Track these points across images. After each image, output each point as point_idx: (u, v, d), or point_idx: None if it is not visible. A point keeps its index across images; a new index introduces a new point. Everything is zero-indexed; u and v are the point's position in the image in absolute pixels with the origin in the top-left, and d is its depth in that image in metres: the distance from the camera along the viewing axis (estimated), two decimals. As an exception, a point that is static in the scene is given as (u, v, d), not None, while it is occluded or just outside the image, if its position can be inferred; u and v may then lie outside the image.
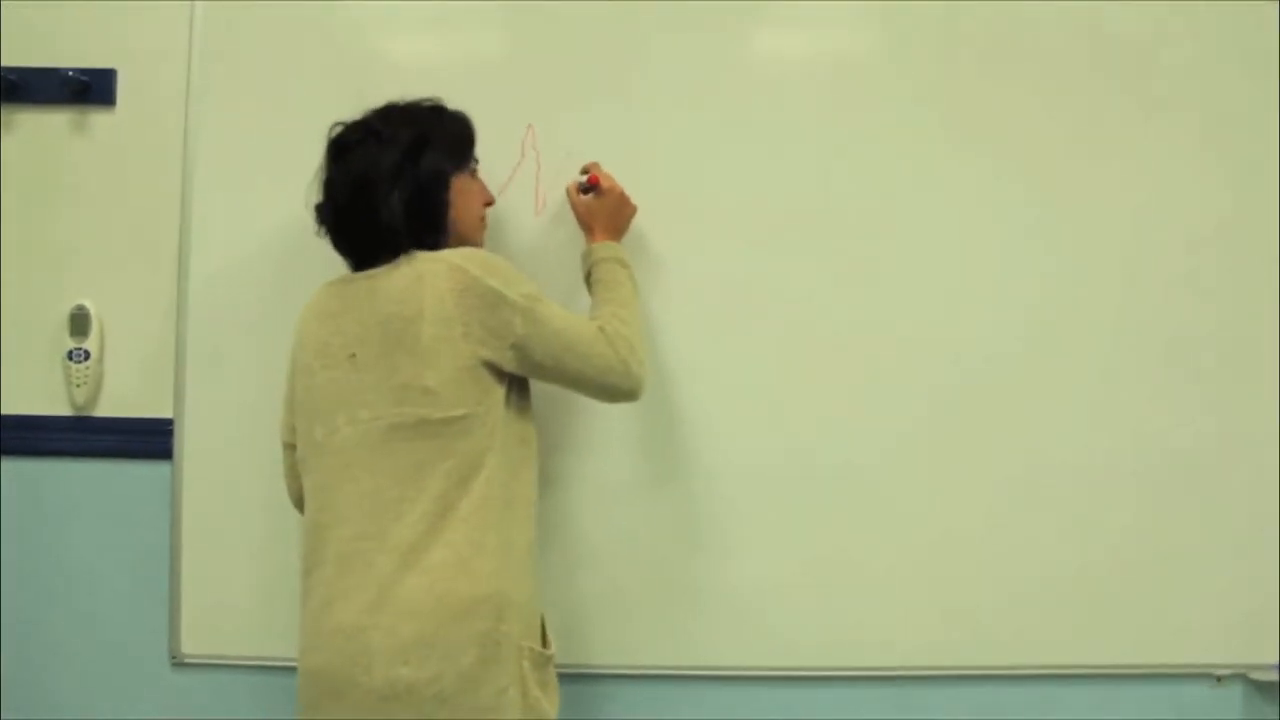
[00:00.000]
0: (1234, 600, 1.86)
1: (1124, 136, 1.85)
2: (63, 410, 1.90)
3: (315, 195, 1.58)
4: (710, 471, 1.83)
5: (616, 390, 1.55)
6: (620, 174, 1.73)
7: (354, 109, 1.59)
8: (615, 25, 1.84)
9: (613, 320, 1.55)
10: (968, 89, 1.85)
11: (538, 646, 1.49)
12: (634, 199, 1.73)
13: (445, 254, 1.49)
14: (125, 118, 1.91)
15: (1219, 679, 1.87)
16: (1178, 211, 1.85)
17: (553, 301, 1.52)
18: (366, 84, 1.67)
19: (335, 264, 1.58)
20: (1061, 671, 1.86)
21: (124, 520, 1.89)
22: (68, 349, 1.87)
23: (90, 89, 1.89)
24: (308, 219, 1.61)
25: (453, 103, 1.63)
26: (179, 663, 1.88)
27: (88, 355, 1.87)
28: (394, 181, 1.51)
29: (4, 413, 1.90)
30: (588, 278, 1.67)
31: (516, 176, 1.82)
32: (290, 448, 1.62)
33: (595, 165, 1.74)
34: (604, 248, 1.67)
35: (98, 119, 1.91)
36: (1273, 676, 1.85)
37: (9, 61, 1.89)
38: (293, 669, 1.49)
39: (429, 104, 1.61)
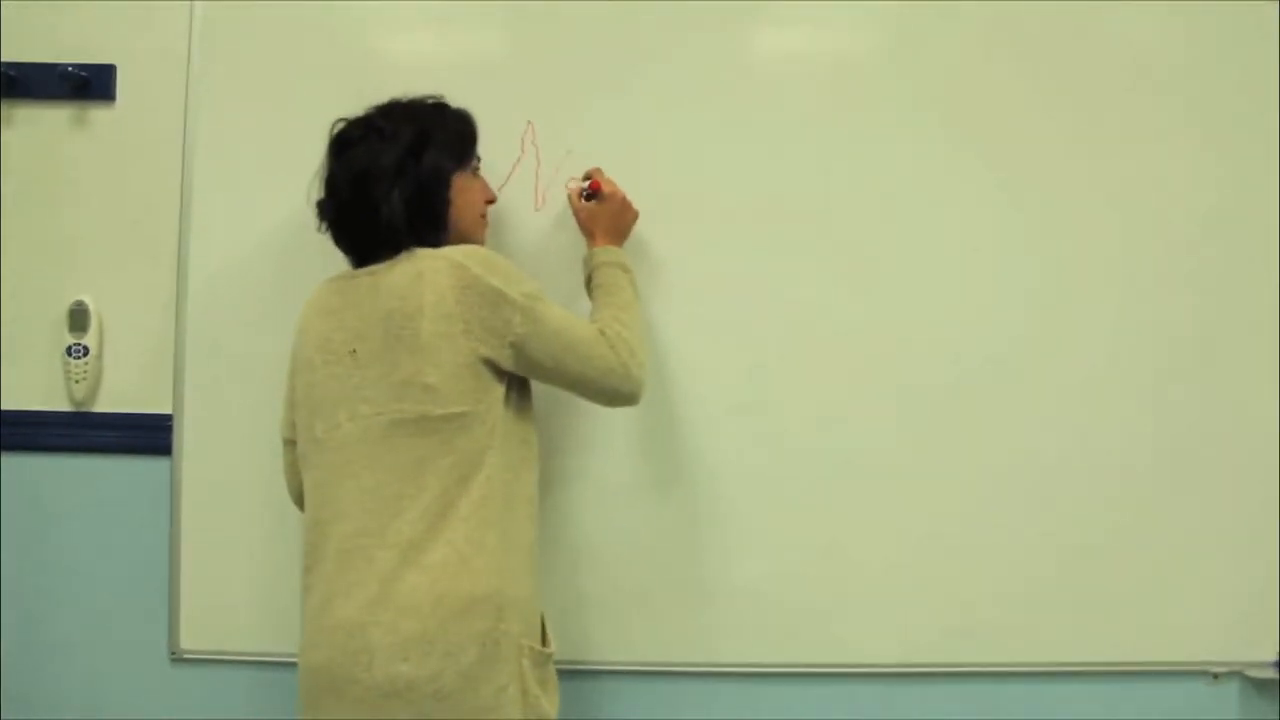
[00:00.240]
0: (1231, 598, 1.86)
1: (1123, 136, 1.85)
2: (62, 406, 1.90)
3: (316, 191, 1.58)
4: (710, 471, 1.83)
5: (616, 393, 1.55)
6: (619, 172, 1.73)
7: (354, 105, 1.59)
8: (616, 23, 1.84)
9: (614, 323, 1.55)
10: (967, 88, 1.85)
11: (538, 645, 1.49)
12: (633, 197, 1.73)
13: (446, 251, 1.49)
14: (125, 113, 1.91)
15: (1216, 676, 1.88)
16: (1176, 210, 1.85)
17: (554, 302, 1.52)
18: (366, 80, 1.67)
19: (335, 260, 1.58)
20: (1059, 669, 1.86)
21: (123, 516, 1.89)
22: (67, 344, 1.87)
23: (90, 84, 1.89)
24: (307, 215, 1.61)
25: (453, 100, 1.64)
26: (178, 658, 1.88)
27: (87, 351, 1.87)
28: (395, 179, 1.51)
29: (3, 408, 1.90)
30: (588, 282, 1.67)
31: (516, 173, 1.82)
32: (290, 444, 1.62)
33: (597, 171, 1.74)
34: (605, 252, 1.67)
35: (97, 114, 1.91)
36: (1269, 674, 1.86)
37: (9, 57, 1.89)
38: (292, 665, 1.49)
39: (432, 101, 1.61)
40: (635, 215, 1.74)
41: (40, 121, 1.91)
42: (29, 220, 1.91)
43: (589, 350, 1.51)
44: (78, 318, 1.88)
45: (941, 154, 1.84)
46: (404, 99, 1.60)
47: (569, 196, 1.75)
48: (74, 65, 1.87)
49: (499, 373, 1.48)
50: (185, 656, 1.88)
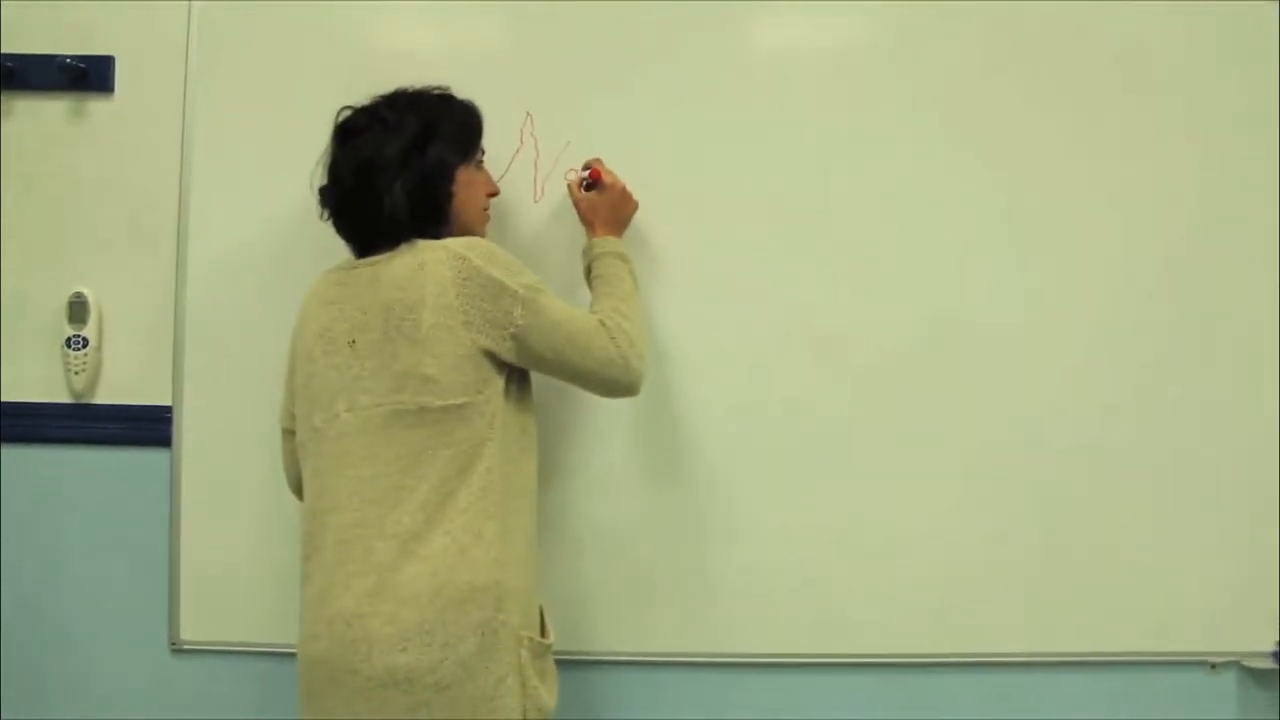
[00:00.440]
0: (1229, 588, 1.86)
1: (1123, 134, 1.85)
2: (62, 398, 1.90)
3: (319, 178, 1.58)
4: (710, 462, 1.84)
5: (616, 384, 1.54)
6: (618, 164, 1.73)
7: (352, 97, 1.59)
8: (615, 17, 1.84)
9: (613, 314, 1.55)
10: (967, 87, 1.85)
11: (536, 636, 1.49)
12: (632, 189, 1.73)
13: (447, 242, 1.49)
14: (123, 105, 1.90)
15: (1214, 666, 1.88)
16: (1174, 208, 1.85)
17: (554, 294, 1.52)
18: (364, 72, 1.66)
19: (334, 251, 1.58)
20: (1058, 659, 1.87)
21: (123, 507, 1.89)
22: (66, 336, 1.87)
23: (88, 76, 1.88)
24: (307, 206, 1.62)
25: (453, 92, 1.63)
26: (178, 649, 1.89)
27: (86, 343, 1.87)
28: (399, 170, 1.50)
29: (3, 400, 1.90)
30: (588, 273, 1.67)
31: (515, 165, 1.82)
32: (289, 434, 1.62)
33: (597, 161, 1.73)
34: (604, 243, 1.67)
35: (96, 106, 1.91)
36: (1267, 664, 1.86)
37: (6, 48, 1.89)
38: (292, 655, 1.50)
39: (438, 92, 1.61)
40: (635, 206, 1.74)
41: (39, 113, 1.91)
42: (28, 212, 1.91)
43: (589, 341, 1.51)
44: (77, 309, 1.88)
45: (941, 152, 1.84)
46: (410, 89, 1.60)
47: (569, 186, 1.75)
48: (72, 57, 1.87)
49: (499, 364, 1.48)
50: (185, 647, 1.88)
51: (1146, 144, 1.85)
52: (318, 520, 1.48)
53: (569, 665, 1.69)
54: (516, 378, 1.52)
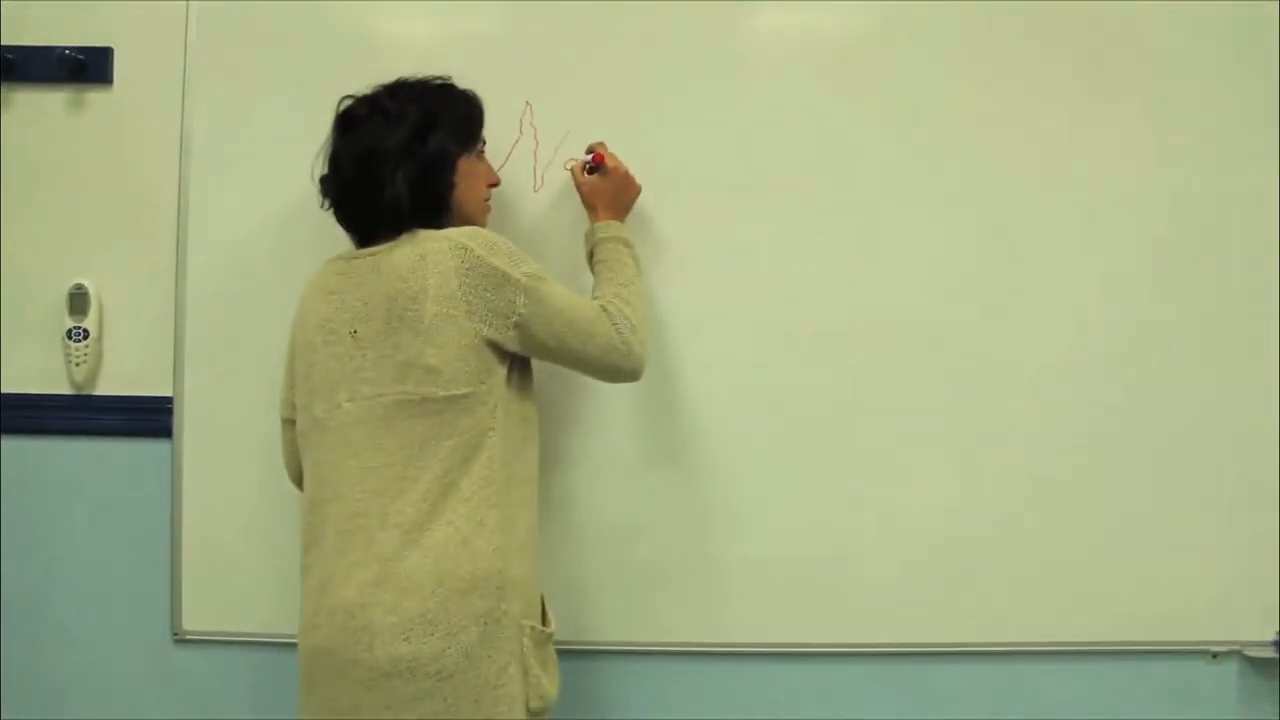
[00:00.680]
0: (1229, 577, 1.87)
1: (1125, 132, 1.85)
2: (62, 389, 1.90)
3: (320, 167, 1.58)
4: (712, 450, 1.84)
5: (618, 370, 1.54)
6: (618, 152, 1.73)
7: (351, 86, 1.59)
8: (613, 6, 1.83)
9: (615, 300, 1.55)
10: (967, 81, 1.85)
11: (538, 625, 1.50)
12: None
13: (449, 232, 1.48)
14: (122, 96, 1.90)
15: (1214, 655, 1.88)
16: (1174, 203, 1.85)
17: (556, 281, 1.52)
18: (363, 62, 1.68)
19: (334, 241, 1.58)
20: (1060, 648, 1.87)
21: (124, 498, 1.90)
22: (67, 328, 1.87)
23: (87, 67, 1.88)
24: (306, 196, 1.62)
25: (452, 81, 1.62)
26: (180, 639, 1.89)
27: (87, 334, 1.87)
28: (400, 160, 1.50)
29: (4, 391, 1.90)
30: (590, 257, 1.67)
31: (515, 154, 1.81)
32: (290, 424, 1.62)
33: (601, 145, 1.73)
34: (607, 227, 1.67)
35: (95, 97, 1.90)
36: (1268, 653, 1.86)
37: (6, 40, 1.88)
38: (294, 645, 1.50)
39: (439, 81, 1.61)
40: (638, 190, 1.74)
41: (38, 105, 1.90)
42: (28, 204, 1.90)
43: (591, 328, 1.51)
44: (77, 301, 1.88)
45: (942, 146, 1.84)
46: (411, 79, 1.59)
47: (572, 170, 1.74)
48: (71, 48, 1.87)
49: (502, 353, 1.48)
50: (187, 637, 1.89)
51: (1148, 143, 1.85)
52: (319, 510, 1.48)
53: (570, 655, 1.69)
54: (519, 367, 1.52)
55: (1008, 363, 1.85)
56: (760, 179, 1.83)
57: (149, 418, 1.87)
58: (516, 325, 1.47)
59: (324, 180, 1.58)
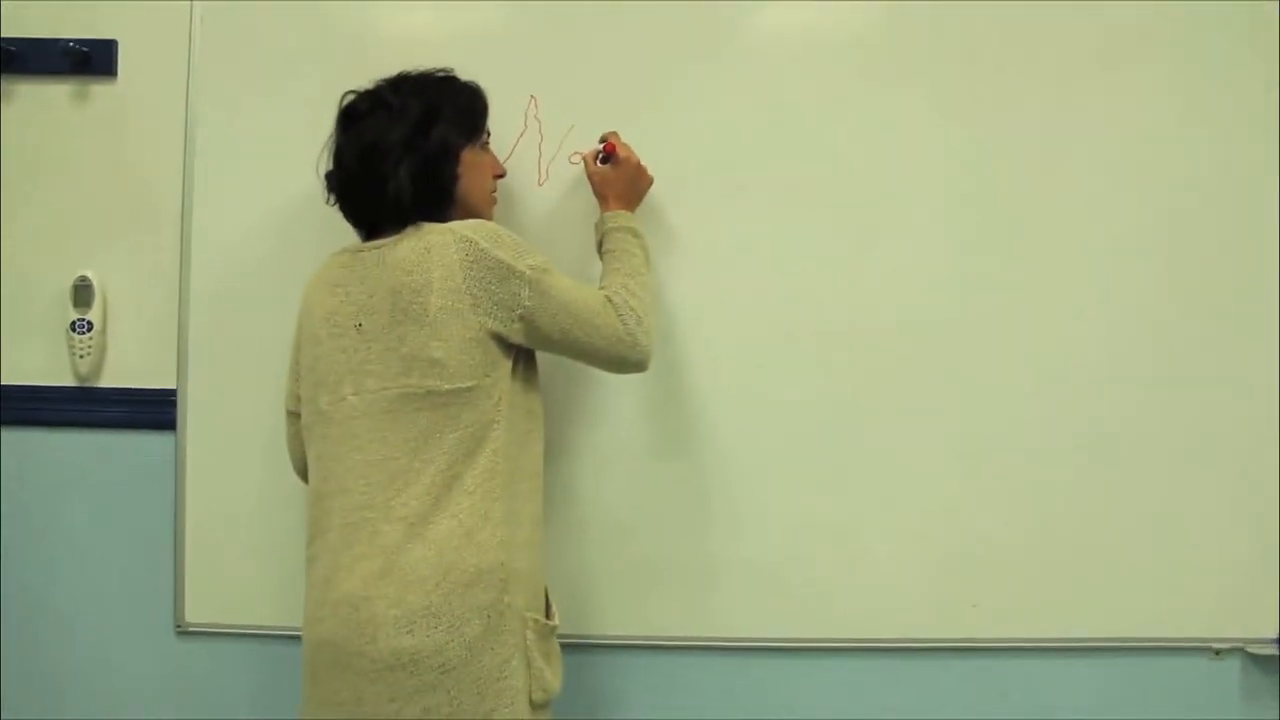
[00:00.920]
0: (1232, 575, 1.87)
1: (1127, 132, 1.84)
2: (66, 381, 1.90)
3: (325, 163, 1.58)
4: (717, 444, 1.84)
5: (624, 361, 1.54)
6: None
7: (355, 79, 1.58)
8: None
9: (621, 291, 1.55)
10: (974, 79, 1.84)
11: (542, 618, 1.50)
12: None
13: (454, 225, 1.48)
14: (126, 88, 1.90)
15: (1217, 653, 1.88)
16: (1176, 201, 1.85)
17: (561, 274, 1.52)
18: (367, 55, 1.67)
19: (339, 234, 1.58)
20: (1063, 645, 1.87)
21: (128, 490, 1.90)
22: (71, 320, 1.87)
23: (91, 59, 1.88)
24: (311, 189, 1.62)
25: (455, 73, 1.62)
26: (183, 631, 1.89)
27: (91, 326, 1.87)
28: (403, 153, 1.50)
29: (7, 383, 1.90)
30: (600, 247, 1.67)
31: (519, 147, 1.81)
32: (294, 416, 1.62)
33: (613, 134, 1.73)
34: (616, 217, 1.67)
35: (99, 90, 1.90)
36: (1270, 650, 1.86)
37: (8, 32, 1.88)
38: (297, 637, 1.50)
39: (441, 74, 1.60)
40: (650, 181, 1.74)
41: (42, 97, 1.90)
42: (32, 196, 1.90)
43: (596, 320, 1.51)
44: (81, 293, 1.87)
45: (949, 143, 1.84)
46: (413, 72, 1.59)
47: (584, 160, 1.74)
48: (75, 40, 1.87)
49: (507, 346, 1.48)
50: (190, 629, 1.89)
51: (1151, 142, 1.85)
52: (323, 503, 1.48)
53: (573, 648, 1.69)
54: (523, 359, 1.52)
55: (1011, 361, 1.85)
56: (766, 174, 1.83)
57: (152, 410, 1.87)
58: (521, 318, 1.47)
59: (329, 176, 1.58)
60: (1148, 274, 1.85)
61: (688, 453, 1.84)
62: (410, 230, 1.49)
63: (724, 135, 1.83)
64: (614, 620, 1.85)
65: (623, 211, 1.68)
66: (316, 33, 1.84)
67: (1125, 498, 1.85)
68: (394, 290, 1.45)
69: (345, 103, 1.57)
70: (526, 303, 1.46)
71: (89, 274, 1.88)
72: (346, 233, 1.58)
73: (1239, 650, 1.88)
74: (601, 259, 1.65)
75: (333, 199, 1.58)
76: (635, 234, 1.65)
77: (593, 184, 1.72)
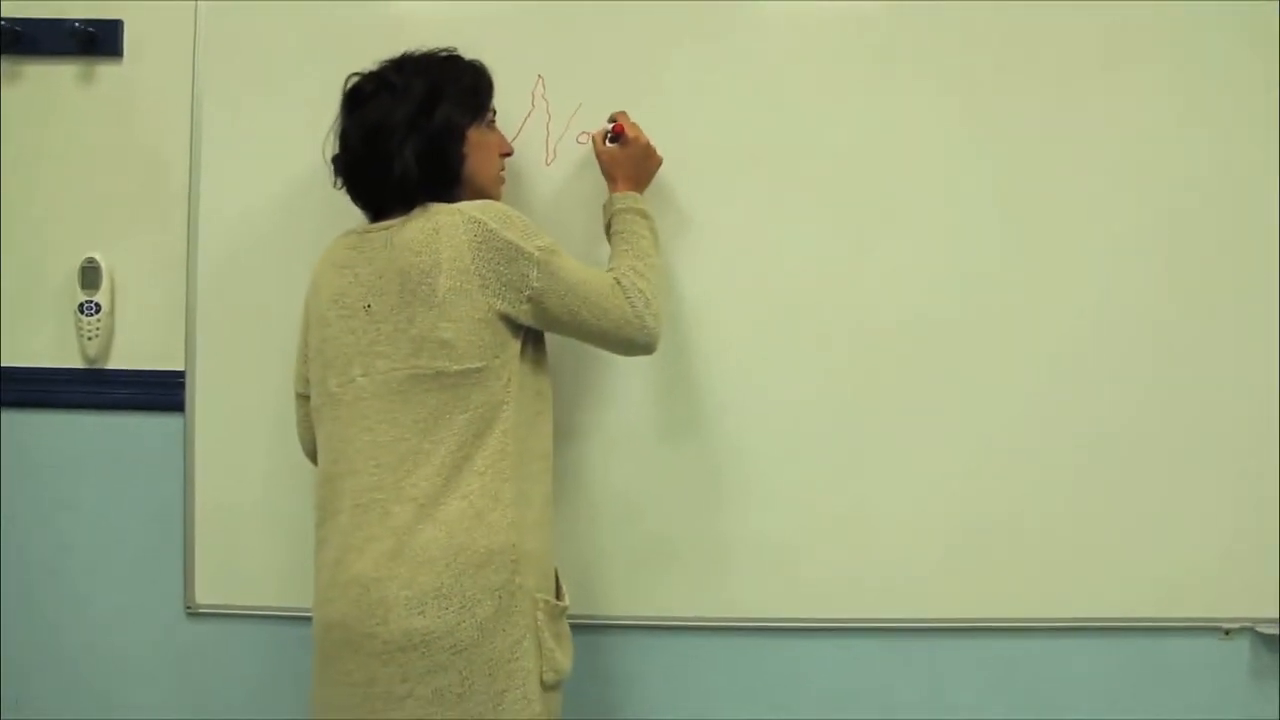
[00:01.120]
0: (1242, 555, 1.86)
1: (1129, 131, 1.84)
2: (74, 363, 1.90)
3: (332, 147, 1.57)
4: (727, 424, 1.83)
5: (632, 344, 1.54)
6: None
7: (361, 61, 1.58)
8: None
9: (629, 273, 1.54)
10: (979, 78, 1.84)
11: (552, 599, 1.50)
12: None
13: (462, 206, 1.48)
14: (132, 69, 1.89)
15: (1227, 632, 1.88)
16: (1177, 199, 1.85)
17: (570, 255, 1.51)
18: (373, 35, 1.67)
19: (346, 215, 1.58)
20: (1071, 624, 1.87)
21: (137, 472, 1.90)
22: (79, 302, 1.87)
23: (97, 40, 1.87)
24: (318, 170, 1.61)
25: (462, 53, 1.62)
26: (194, 612, 1.90)
27: (99, 308, 1.87)
28: (407, 134, 1.49)
29: (17, 365, 1.90)
30: (608, 228, 1.66)
31: (527, 127, 1.80)
32: (303, 398, 1.63)
33: (622, 114, 1.72)
34: (625, 198, 1.66)
35: (105, 70, 1.89)
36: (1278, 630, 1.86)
37: (13, 13, 1.87)
38: (307, 618, 1.51)
39: (444, 54, 1.60)
40: (659, 162, 1.73)
41: (47, 78, 1.89)
42: (39, 178, 1.90)
43: (605, 302, 1.50)
44: (89, 275, 1.87)
45: (958, 136, 1.84)
46: (416, 52, 1.58)
47: (592, 140, 1.73)
48: (80, 20, 1.86)
49: (515, 327, 1.48)
50: (200, 610, 1.89)
51: (1151, 142, 1.84)
52: (333, 485, 1.48)
53: (582, 629, 1.69)
54: (532, 340, 1.52)
55: (1021, 345, 1.85)
56: (772, 155, 1.82)
57: (161, 392, 1.87)
58: (530, 299, 1.46)
59: (335, 159, 1.58)
60: (1148, 269, 1.85)
61: (696, 434, 1.84)
62: (418, 211, 1.49)
63: (730, 116, 1.82)
64: (624, 601, 1.85)
65: (631, 193, 1.67)
66: (324, 14, 1.83)
67: (1133, 479, 1.85)
68: (402, 271, 1.45)
69: (349, 85, 1.57)
70: (535, 284, 1.46)
71: (96, 256, 1.88)
72: (354, 214, 1.58)
73: (1248, 630, 1.88)
74: (610, 240, 1.65)
75: (340, 182, 1.58)
76: (644, 215, 1.65)
77: (601, 164, 1.71)
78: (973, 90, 1.83)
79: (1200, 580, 1.87)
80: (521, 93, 1.79)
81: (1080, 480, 1.85)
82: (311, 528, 1.52)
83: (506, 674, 1.40)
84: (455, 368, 1.43)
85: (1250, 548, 1.86)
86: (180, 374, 1.87)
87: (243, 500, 1.86)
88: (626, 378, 1.81)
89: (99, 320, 1.87)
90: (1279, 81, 1.83)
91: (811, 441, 1.84)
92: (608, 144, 1.70)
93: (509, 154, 1.69)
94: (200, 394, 1.86)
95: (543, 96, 1.81)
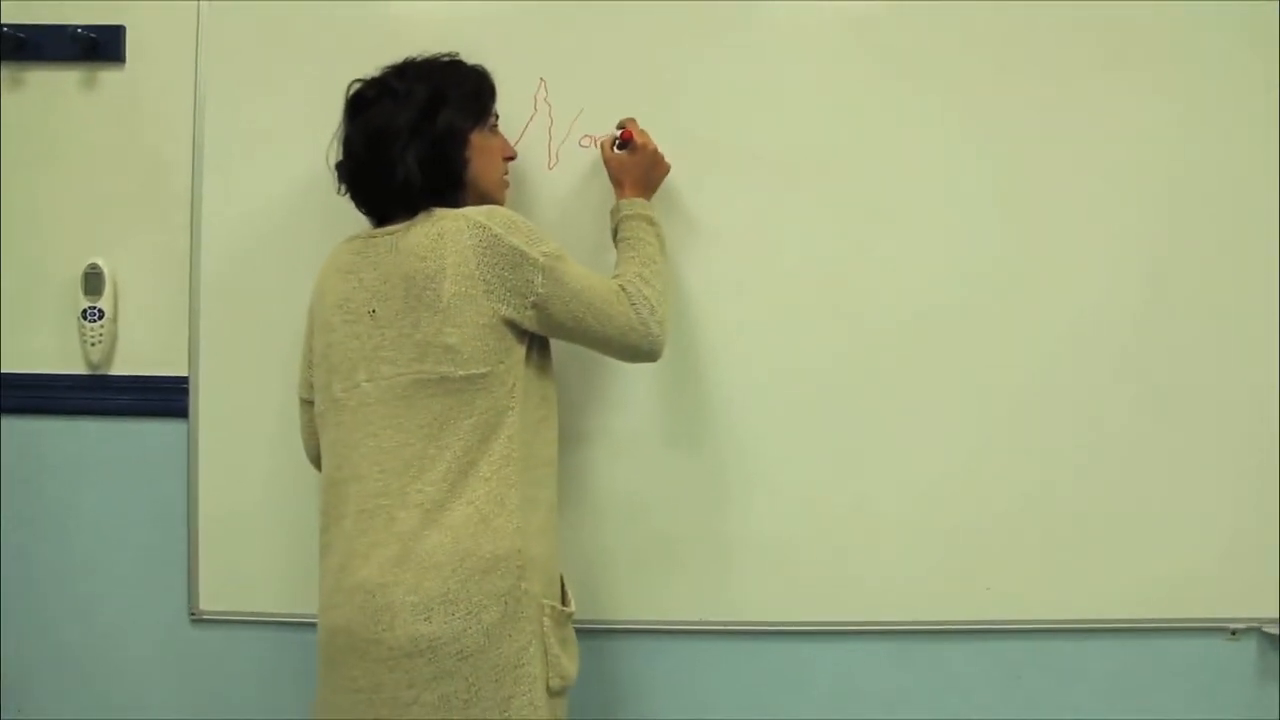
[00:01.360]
0: (1248, 555, 1.86)
1: (1130, 131, 1.84)
2: (78, 369, 1.90)
3: (335, 153, 1.57)
4: (732, 429, 1.83)
5: (636, 350, 1.54)
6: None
7: (363, 64, 1.58)
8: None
9: (634, 280, 1.54)
10: (982, 77, 1.84)
11: (558, 604, 1.50)
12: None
13: (467, 211, 1.48)
14: (135, 75, 1.89)
15: (1233, 633, 1.88)
16: (1179, 198, 1.85)
17: (575, 261, 1.51)
18: (375, 38, 1.67)
19: (349, 220, 1.58)
20: (1079, 626, 1.87)
21: (141, 478, 1.90)
22: (82, 308, 1.87)
23: (99, 46, 1.87)
24: (321, 175, 1.61)
25: (464, 57, 1.62)
26: (198, 619, 1.90)
27: (102, 314, 1.87)
28: (410, 139, 1.49)
29: (19, 371, 1.90)
30: (615, 234, 1.66)
31: (529, 131, 1.80)
32: (307, 404, 1.62)
33: (631, 121, 1.72)
34: (632, 204, 1.66)
35: (107, 76, 1.89)
36: (1287, 630, 1.87)
37: (16, 19, 1.87)
38: (311, 624, 1.50)
39: (446, 59, 1.60)
40: (667, 169, 1.73)
41: (50, 84, 1.89)
42: (41, 184, 1.90)
43: (609, 309, 1.50)
44: (92, 281, 1.87)
45: (959, 131, 1.83)
46: (418, 58, 1.59)
47: (600, 146, 1.73)
48: (83, 26, 1.86)
49: (520, 333, 1.47)
50: (204, 617, 1.89)
51: (1151, 142, 1.84)
52: (338, 490, 1.48)
53: (587, 633, 1.69)
54: (537, 346, 1.52)
55: (1024, 346, 1.84)
56: (777, 159, 1.82)
57: (165, 398, 1.87)
58: (534, 305, 1.46)
59: (339, 166, 1.58)
60: (1149, 269, 1.85)
61: (701, 439, 1.84)
62: (422, 216, 1.49)
63: (731, 116, 1.82)
64: (628, 605, 1.85)
65: (639, 199, 1.67)
66: (326, 18, 1.83)
67: (1136, 478, 1.85)
68: (407, 276, 1.45)
69: (352, 91, 1.57)
70: (540, 290, 1.46)
71: (99, 262, 1.88)
72: (357, 218, 1.58)
73: (1255, 630, 1.88)
74: (616, 246, 1.64)
75: (344, 189, 1.58)
76: (651, 222, 1.65)
77: (609, 170, 1.71)
78: (973, 90, 1.83)
79: (1206, 581, 1.87)
80: (524, 96, 1.79)
81: (1083, 480, 1.85)
82: (316, 533, 1.52)
83: (513, 680, 1.40)
84: (460, 373, 1.43)
85: (1257, 548, 1.86)
86: (184, 379, 1.87)
87: (247, 506, 1.86)
88: (632, 382, 1.81)
89: (102, 326, 1.87)
90: (1279, 81, 1.83)
91: (814, 444, 1.84)
92: (616, 150, 1.70)
93: (512, 158, 1.69)
94: (204, 399, 1.86)
95: (545, 100, 1.81)
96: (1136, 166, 1.84)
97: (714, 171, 1.81)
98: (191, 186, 1.86)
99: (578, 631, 1.56)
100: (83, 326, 1.87)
